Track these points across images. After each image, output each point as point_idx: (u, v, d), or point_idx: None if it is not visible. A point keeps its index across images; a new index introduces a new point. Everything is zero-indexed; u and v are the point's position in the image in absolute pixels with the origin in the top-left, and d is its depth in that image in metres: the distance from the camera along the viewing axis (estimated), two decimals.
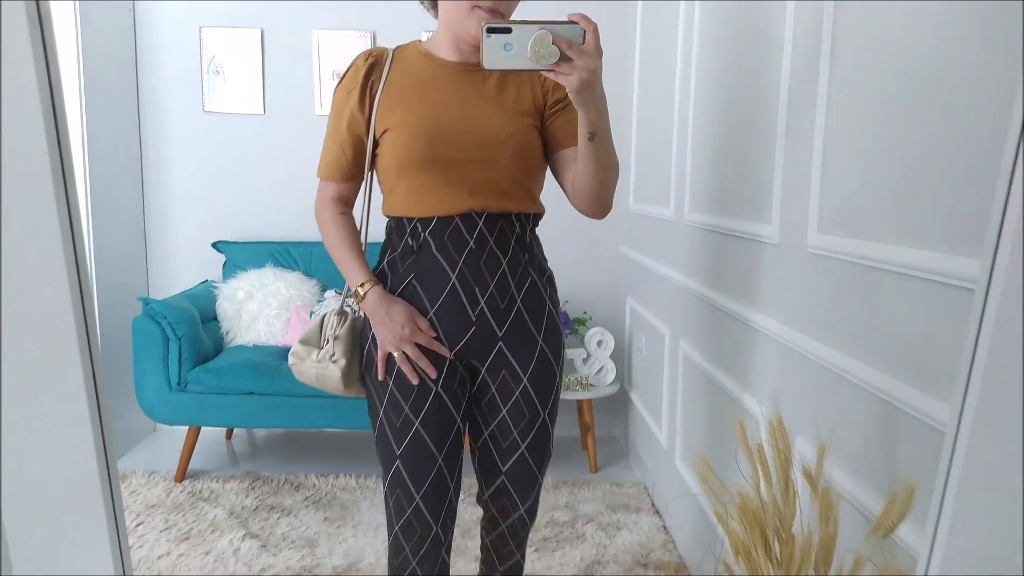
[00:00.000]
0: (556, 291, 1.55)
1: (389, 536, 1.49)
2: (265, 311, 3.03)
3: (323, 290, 3.14)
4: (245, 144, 3.30)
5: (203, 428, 2.97)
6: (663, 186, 2.50)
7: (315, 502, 2.72)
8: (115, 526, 1.01)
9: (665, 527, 2.52)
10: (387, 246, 1.47)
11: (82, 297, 0.96)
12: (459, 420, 1.45)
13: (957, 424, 0.66)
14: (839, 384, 1.27)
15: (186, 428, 2.91)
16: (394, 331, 1.38)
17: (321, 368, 1.45)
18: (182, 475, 2.87)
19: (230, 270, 3.18)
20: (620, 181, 3.06)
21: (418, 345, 1.40)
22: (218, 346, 3.01)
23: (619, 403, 3.34)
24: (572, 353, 3.07)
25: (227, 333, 3.06)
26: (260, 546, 2.39)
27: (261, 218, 3.33)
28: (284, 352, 2.96)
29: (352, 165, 1.45)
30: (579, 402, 3.09)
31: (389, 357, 1.41)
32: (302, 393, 2.75)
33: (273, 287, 3.06)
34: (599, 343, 3.07)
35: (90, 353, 0.97)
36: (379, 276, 1.46)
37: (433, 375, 1.41)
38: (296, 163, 3.29)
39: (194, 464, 3.00)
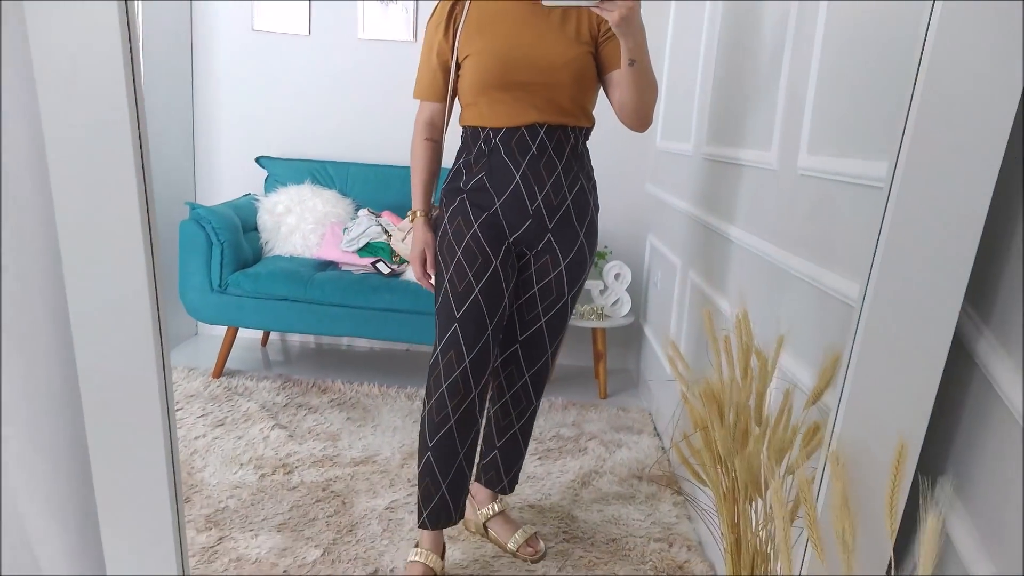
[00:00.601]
0: (598, 197, 1.80)
1: (431, 397, 1.73)
2: (302, 225, 3.20)
3: (357, 209, 3.30)
4: (290, 64, 3.43)
5: (239, 335, 3.18)
6: (685, 122, 2.59)
7: (340, 404, 2.92)
8: (166, 400, 1.18)
9: (663, 448, 2.67)
10: (463, 150, 1.75)
11: (147, 207, 1.11)
12: (507, 298, 1.73)
13: (863, 298, 0.78)
14: (817, 295, 1.39)
15: (224, 330, 3.12)
16: (412, 254, 1.78)
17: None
18: (219, 371, 3.09)
19: (271, 184, 3.35)
20: None
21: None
22: (257, 255, 3.20)
23: (633, 337, 3.47)
24: (590, 284, 3.20)
25: (266, 243, 3.24)
26: (288, 436, 2.60)
27: (302, 137, 3.48)
28: (318, 264, 3.14)
29: (442, 87, 1.73)
30: (593, 331, 3.22)
31: (458, 234, 1.71)
32: (332, 302, 2.93)
33: (310, 203, 3.23)
34: (616, 276, 3.19)
35: (152, 257, 1.13)
36: (456, 173, 1.75)
37: (427, 286, 1.77)
38: (338, 85, 3.42)
39: (230, 365, 3.21)
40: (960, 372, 0.89)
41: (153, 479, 1.18)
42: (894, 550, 0.89)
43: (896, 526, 0.79)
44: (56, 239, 1.04)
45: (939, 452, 0.91)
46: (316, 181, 3.34)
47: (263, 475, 2.32)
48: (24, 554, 1.14)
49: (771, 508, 0.94)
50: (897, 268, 0.79)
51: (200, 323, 3.62)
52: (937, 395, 0.87)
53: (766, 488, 1.11)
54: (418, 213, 1.77)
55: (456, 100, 1.77)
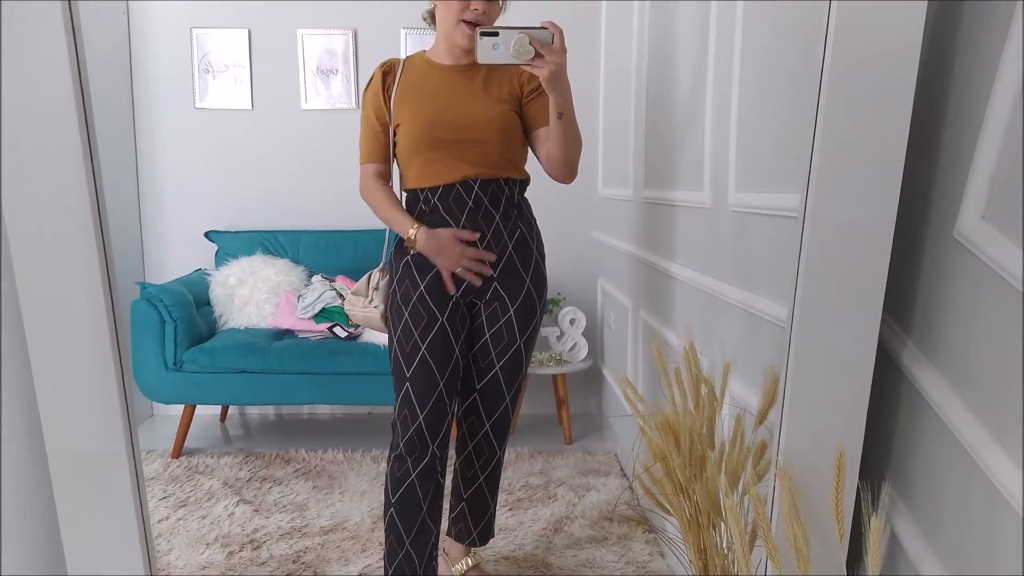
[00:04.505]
0: (542, 245, 1.87)
1: (391, 454, 1.79)
2: (256, 295, 3.20)
3: (310, 275, 3.32)
4: (235, 138, 3.47)
5: (197, 411, 3.13)
6: (623, 169, 2.70)
7: (304, 473, 2.89)
8: (136, 479, 1.19)
9: (632, 487, 2.69)
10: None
11: (111, 291, 1.14)
12: (458, 351, 1.77)
13: (791, 319, 0.84)
14: (756, 321, 1.46)
15: (181, 411, 3.07)
16: (450, 255, 1.71)
17: (367, 312, 1.87)
18: (178, 452, 3.03)
19: (222, 258, 3.35)
20: (590, 169, 3.27)
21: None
22: (211, 329, 3.18)
23: (593, 380, 3.52)
24: (546, 331, 3.25)
25: (220, 317, 3.23)
26: (253, 510, 2.55)
27: (251, 208, 3.51)
28: (274, 333, 3.13)
29: (385, 148, 1.82)
30: (554, 377, 3.26)
31: (406, 296, 1.75)
32: (291, 371, 2.92)
33: (263, 273, 3.23)
34: (571, 321, 3.25)
35: (118, 345, 1.15)
36: (400, 238, 1.79)
37: (488, 272, 1.73)
38: (284, 156, 3.47)
39: (189, 444, 3.15)
40: (891, 382, 0.95)
41: (127, 564, 1.17)
42: (850, 556, 0.93)
43: (845, 531, 0.84)
44: (20, 318, 1.05)
45: (879, 459, 0.97)
46: (267, 251, 3.35)
47: (231, 552, 2.27)
48: None
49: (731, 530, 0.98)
50: (817, 288, 0.86)
51: (156, 403, 3.55)
52: (873, 405, 0.93)
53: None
54: (415, 228, 1.72)
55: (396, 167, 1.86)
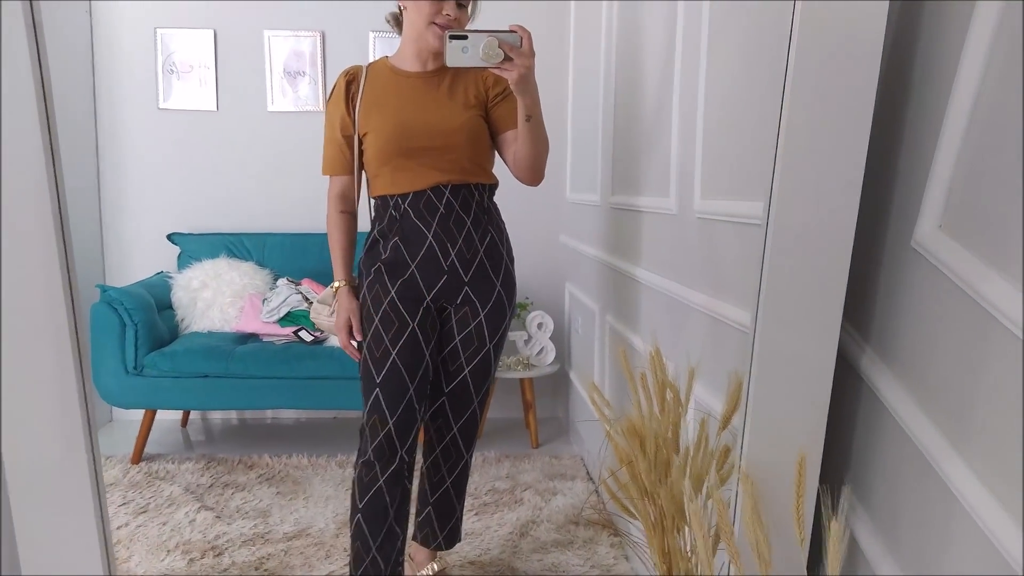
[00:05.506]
0: (512, 249, 1.88)
1: (359, 459, 1.78)
2: (219, 299, 3.15)
3: (275, 278, 3.28)
4: (199, 140, 3.42)
5: (158, 416, 3.07)
6: (591, 175, 2.72)
7: (268, 479, 2.85)
8: (97, 488, 1.17)
9: (597, 491, 2.71)
10: (376, 220, 1.82)
11: (72, 298, 1.12)
12: (428, 356, 1.77)
13: (754, 325, 0.86)
14: (721, 327, 1.48)
15: (141, 416, 3.01)
16: (337, 323, 1.82)
17: (333, 320, 1.85)
18: (138, 457, 2.97)
19: (185, 261, 3.30)
20: (558, 174, 3.29)
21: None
22: (173, 333, 3.13)
23: (560, 384, 3.53)
24: (514, 335, 3.26)
25: (182, 321, 3.17)
26: (215, 517, 2.51)
27: (215, 211, 3.46)
28: (238, 337, 3.09)
29: (349, 160, 1.82)
30: (521, 381, 3.27)
31: (376, 301, 1.77)
32: (255, 375, 2.88)
33: (227, 276, 3.19)
34: (539, 325, 3.26)
35: (78, 349, 1.13)
36: (372, 243, 1.80)
37: (357, 358, 1.78)
38: (249, 158, 3.43)
39: (150, 449, 3.09)
40: (850, 388, 0.97)
41: (86, 571, 1.15)
42: (811, 558, 0.95)
43: (806, 535, 0.86)
44: None
45: (839, 463, 0.99)
46: (232, 254, 3.31)
47: (191, 560, 2.23)
48: None
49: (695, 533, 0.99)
50: (780, 295, 0.88)
51: (115, 408, 3.48)
52: (833, 411, 0.96)
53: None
54: (340, 283, 1.83)
55: (363, 173, 1.85)
